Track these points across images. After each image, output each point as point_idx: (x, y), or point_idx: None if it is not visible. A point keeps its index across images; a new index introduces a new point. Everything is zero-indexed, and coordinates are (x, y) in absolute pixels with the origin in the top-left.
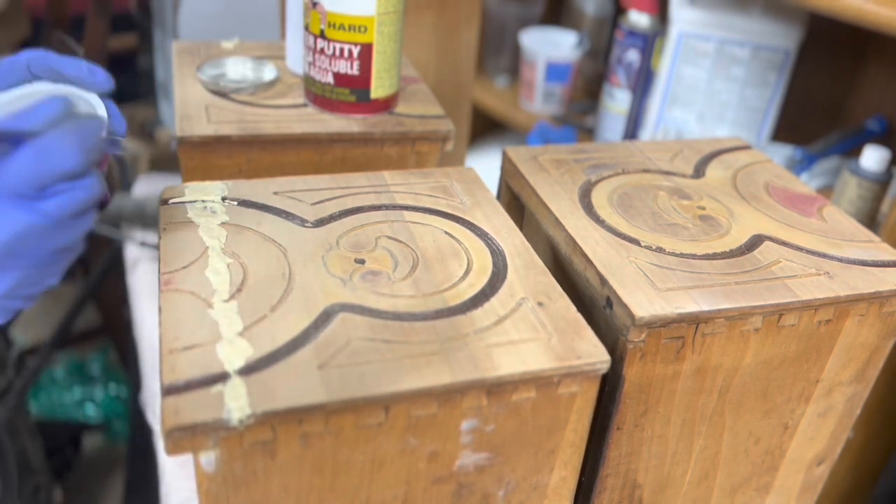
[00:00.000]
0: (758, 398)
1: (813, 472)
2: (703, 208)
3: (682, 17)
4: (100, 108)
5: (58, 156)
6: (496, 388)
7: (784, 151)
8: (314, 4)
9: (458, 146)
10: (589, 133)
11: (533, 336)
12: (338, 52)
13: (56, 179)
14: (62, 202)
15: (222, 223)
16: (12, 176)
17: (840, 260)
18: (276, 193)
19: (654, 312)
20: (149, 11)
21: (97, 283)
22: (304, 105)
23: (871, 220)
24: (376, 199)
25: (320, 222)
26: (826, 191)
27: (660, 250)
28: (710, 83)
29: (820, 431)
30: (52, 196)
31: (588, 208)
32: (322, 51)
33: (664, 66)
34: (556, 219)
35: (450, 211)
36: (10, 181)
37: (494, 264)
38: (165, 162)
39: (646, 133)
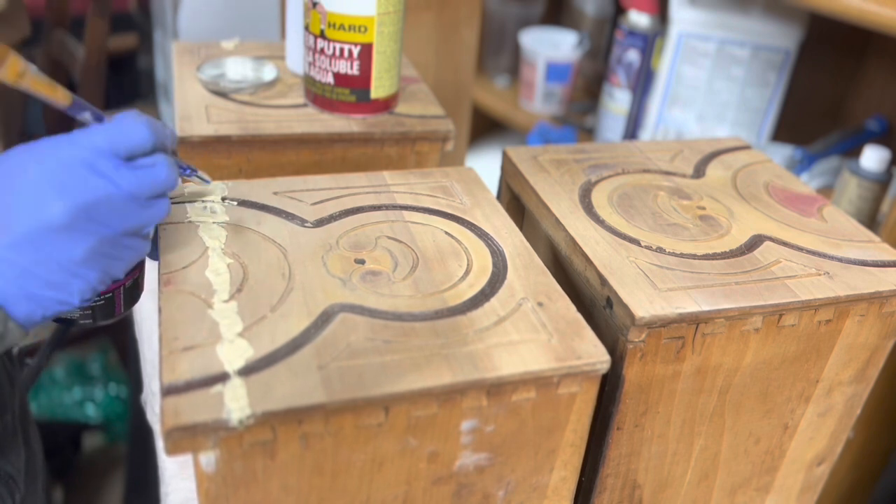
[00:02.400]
0: (758, 398)
1: (813, 472)
2: (703, 208)
3: (682, 17)
4: None
5: (128, 129)
6: (496, 389)
7: (784, 151)
8: (314, 4)
9: (458, 146)
10: (589, 133)
11: (533, 336)
12: (338, 52)
13: (127, 151)
14: (133, 178)
15: (222, 223)
16: (87, 144)
17: (840, 260)
18: (276, 193)
19: (654, 312)
20: (149, 11)
21: None
22: (304, 105)
23: (871, 220)
24: (376, 199)
25: (320, 222)
26: (826, 191)
27: (660, 250)
28: (710, 83)
29: (820, 431)
30: (126, 170)
31: (588, 208)
32: (322, 51)
33: (664, 66)
34: (556, 219)
35: (450, 211)
36: (85, 149)
37: (494, 264)
38: None
39: (646, 133)
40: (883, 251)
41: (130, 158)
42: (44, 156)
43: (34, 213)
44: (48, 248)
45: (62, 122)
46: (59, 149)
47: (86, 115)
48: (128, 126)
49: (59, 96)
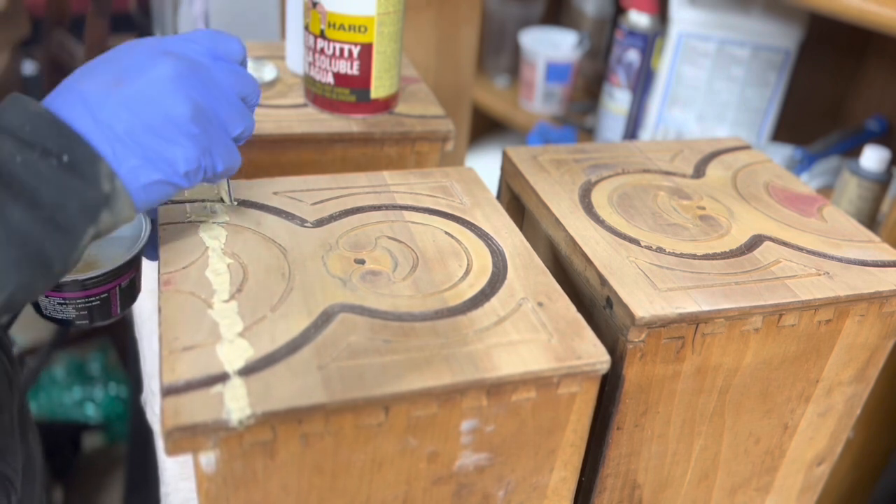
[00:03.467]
0: (758, 398)
1: (813, 472)
2: (703, 208)
3: (682, 17)
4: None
5: (226, 38)
6: (496, 389)
7: (784, 151)
8: (314, 4)
9: (458, 146)
10: (589, 133)
11: (533, 336)
12: (338, 52)
13: (223, 54)
14: (227, 67)
15: (222, 223)
16: (188, 40)
17: (840, 260)
18: (276, 193)
19: (654, 312)
20: (149, 11)
21: None
22: (304, 105)
23: (871, 220)
24: (376, 199)
25: (320, 222)
26: (826, 191)
27: (660, 250)
28: (710, 83)
29: (820, 431)
30: (221, 62)
31: (588, 208)
32: (322, 51)
33: (664, 66)
34: (556, 219)
35: (450, 211)
36: (188, 40)
37: (494, 264)
38: None
39: (646, 133)
40: (883, 251)
41: None
42: (151, 40)
43: (147, 69)
44: (160, 101)
45: None
46: (164, 38)
47: None
48: (225, 36)
49: None
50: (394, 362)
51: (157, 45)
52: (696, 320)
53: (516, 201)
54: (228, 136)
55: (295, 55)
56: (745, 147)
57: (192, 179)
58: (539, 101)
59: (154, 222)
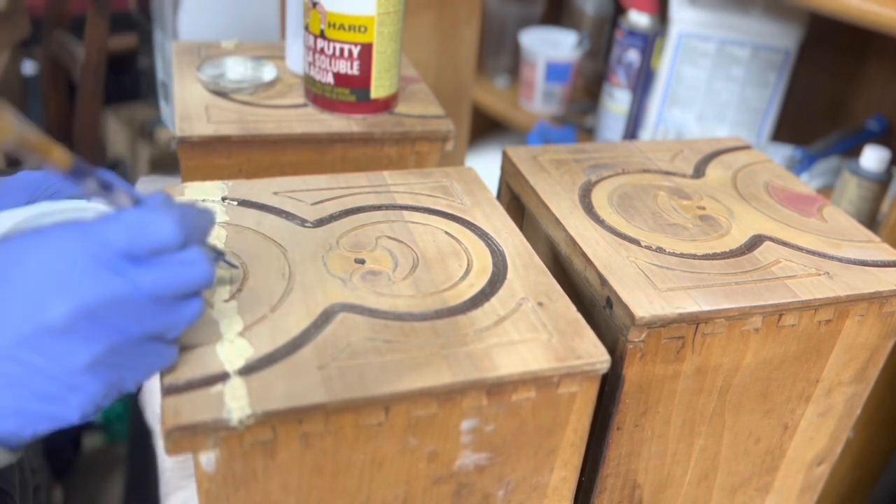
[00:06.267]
0: (758, 398)
1: (813, 472)
2: (703, 208)
3: (682, 17)
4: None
5: (152, 225)
6: (496, 388)
7: (784, 151)
8: (314, 4)
9: (458, 146)
10: (589, 133)
11: (533, 336)
12: (338, 52)
13: (149, 250)
14: (156, 276)
15: (222, 223)
16: (102, 241)
17: (840, 260)
18: (276, 193)
19: (654, 312)
20: (149, 11)
21: None
22: (304, 105)
23: (871, 220)
24: (376, 199)
25: (320, 222)
26: (826, 191)
27: (660, 250)
28: (710, 83)
29: (820, 431)
30: (146, 268)
31: (588, 208)
32: (322, 51)
33: (664, 66)
34: (556, 219)
35: (450, 211)
36: (100, 246)
37: (494, 264)
38: (165, 162)
39: (646, 133)
40: (883, 251)
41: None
42: (45, 247)
43: (29, 314)
44: (43, 356)
45: (63, 124)
46: (64, 240)
47: (89, 185)
48: (151, 221)
49: (55, 157)
50: (394, 362)
51: (48, 265)
52: (696, 320)
53: (516, 201)
54: (160, 344)
55: (295, 55)
56: (745, 147)
57: (94, 414)
58: (539, 101)
59: None
